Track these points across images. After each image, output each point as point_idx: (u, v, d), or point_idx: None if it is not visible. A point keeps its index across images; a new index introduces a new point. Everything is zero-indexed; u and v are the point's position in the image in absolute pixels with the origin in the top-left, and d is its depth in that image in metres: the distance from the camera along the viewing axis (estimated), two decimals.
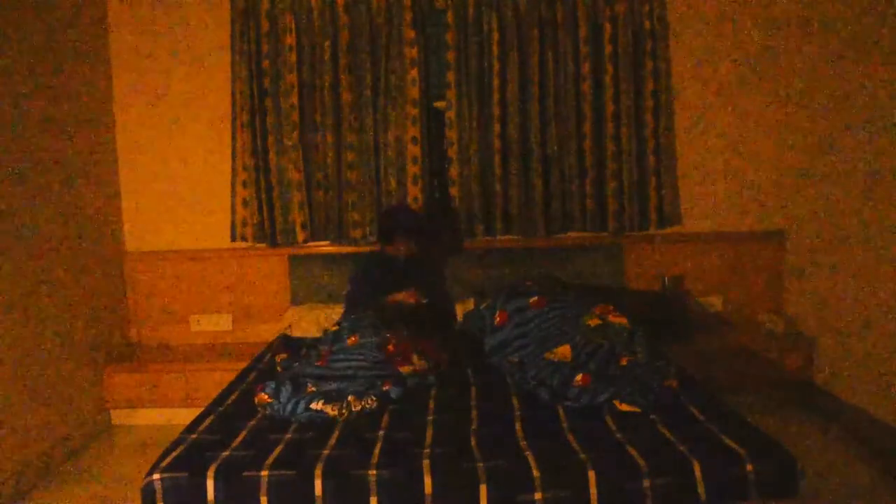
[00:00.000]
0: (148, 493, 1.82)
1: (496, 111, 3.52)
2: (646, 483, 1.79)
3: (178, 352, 3.63)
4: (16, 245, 2.84)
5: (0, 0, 2.78)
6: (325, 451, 1.93)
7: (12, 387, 2.78)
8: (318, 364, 2.49)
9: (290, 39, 3.49)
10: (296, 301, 3.68)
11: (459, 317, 3.29)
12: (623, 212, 3.61)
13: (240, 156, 3.59)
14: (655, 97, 3.56)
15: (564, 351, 2.49)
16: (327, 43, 3.50)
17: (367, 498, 1.80)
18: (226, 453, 1.93)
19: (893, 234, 2.89)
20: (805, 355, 3.42)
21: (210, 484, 1.82)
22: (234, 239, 3.65)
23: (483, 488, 1.78)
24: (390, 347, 2.51)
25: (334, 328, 2.78)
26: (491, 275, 3.59)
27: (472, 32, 3.51)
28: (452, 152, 3.56)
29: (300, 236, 3.61)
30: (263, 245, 3.68)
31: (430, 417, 2.19)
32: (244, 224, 3.62)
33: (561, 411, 2.21)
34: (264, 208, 3.61)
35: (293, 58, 3.50)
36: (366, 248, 3.62)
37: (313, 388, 2.26)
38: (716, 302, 3.73)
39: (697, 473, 1.80)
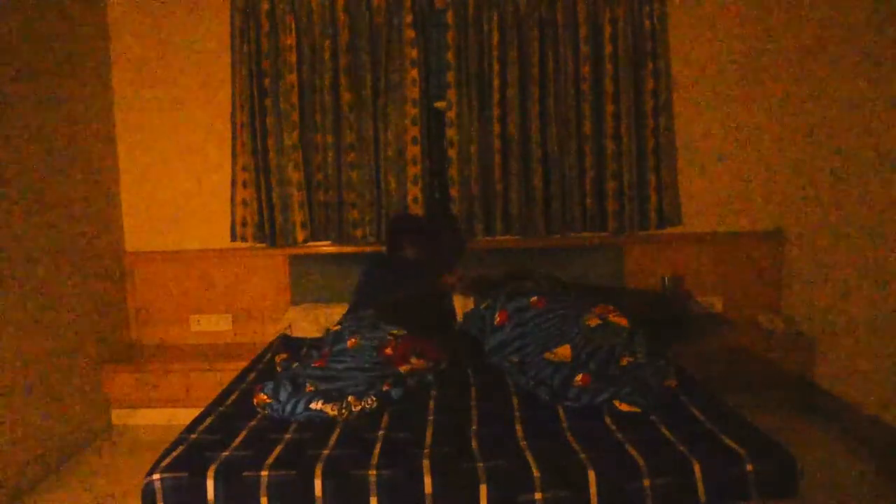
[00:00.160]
0: (148, 493, 1.82)
1: (496, 111, 3.52)
2: (646, 483, 1.79)
3: (178, 352, 3.64)
4: (16, 245, 2.84)
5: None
6: (325, 451, 1.93)
7: (12, 387, 2.79)
8: (318, 365, 2.49)
9: (290, 39, 3.49)
10: (296, 301, 3.68)
11: (459, 317, 3.29)
12: (623, 212, 3.61)
13: (240, 156, 3.59)
14: (655, 97, 3.56)
15: (564, 351, 2.49)
16: (327, 43, 3.50)
17: (367, 498, 1.80)
18: (226, 453, 1.93)
19: (894, 233, 2.89)
20: (805, 355, 3.42)
21: (210, 484, 1.82)
22: (234, 239, 3.66)
23: (483, 488, 1.78)
24: (388, 350, 2.52)
25: (336, 328, 2.78)
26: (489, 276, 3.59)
27: (472, 32, 3.51)
28: (452, 152, 3.56)
29: (300, 236, 3.61)
30: (263, 245, 3.68)
31: (430, 417, 2.20)
32: (244, 224, 3.62)
33: (561, 411, 2.22)
34: (264, 208, 3.61)
35: (293, 58, 3.50)
36: (366, 248, 3.63)
37: (312, 388, 2.26)
38: (716, 302, 3.73)
39: (697, 473, 1.80)
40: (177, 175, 3.73)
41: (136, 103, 3.68)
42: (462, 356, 2.82)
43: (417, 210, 3.57)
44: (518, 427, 2.10)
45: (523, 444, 1.97)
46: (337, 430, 2.09)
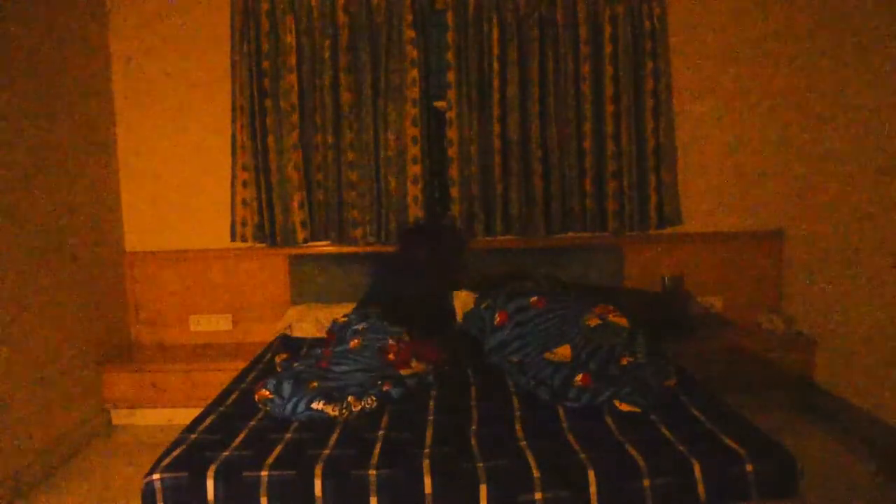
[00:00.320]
0: (148, 493, 1.82)
1: (496, 111, 3.52)
2: (646, 483, 1.79)
3: (178, 352, 3.64)
4: (16, 245, 2.84)
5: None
6: (325, 451, 1.93)
7: (12, 387, 2.78)
8: (320, 366, 2.50)
9: (290, 39, 3.49)
10: (296, 301, 3.68)
11: (459, 317, 3.29)
12: (623, 212, 3.61)
13: (240, 156, 3.59)
14: (655, 97, 3.56)
15: (564, 351, 2.49)
16: (327, 43, 3.50)
17: (367, 498, 1.80)
18: (226, 453, 1.93)
19: (893, 233, 2.89)
20: (805, 355, 3.42)
21: (210, 484, 1.82)
22: (234, 239, 3.65)
23: (483, 488, 1.78)
24: (391, 356, 2.52)
25: (343, 319, 2.86)
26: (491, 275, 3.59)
27: (472, 32, 3.51)
28: (452, 152, 3.56)
29: (300, 236, 3.61)
30: (263, 245, 3.68)
31: (430, 417, 2.19)
32: (244, 224, 3.62)
33: (561, 411, 2.21)
34: (264, 208, 3.61)
35: (293, 58, 3.50)
36: (366, 248, 3.63)
37: (315, 384, 2.27)
38: (716, 302, 3.73)
39: (697, 473, 1.80)
40: (177, 175, 3.73)
41: (136, 103, 3.68)
42: (462, 356, 2.83)
43: (417, 210, 3.57)
44: (518, 427, 2.10)
45: (523, 444, 1.96)
46: (337, 430, 2.09)
